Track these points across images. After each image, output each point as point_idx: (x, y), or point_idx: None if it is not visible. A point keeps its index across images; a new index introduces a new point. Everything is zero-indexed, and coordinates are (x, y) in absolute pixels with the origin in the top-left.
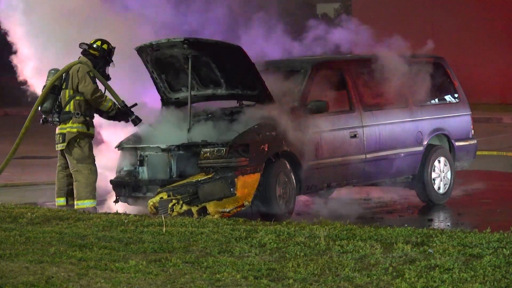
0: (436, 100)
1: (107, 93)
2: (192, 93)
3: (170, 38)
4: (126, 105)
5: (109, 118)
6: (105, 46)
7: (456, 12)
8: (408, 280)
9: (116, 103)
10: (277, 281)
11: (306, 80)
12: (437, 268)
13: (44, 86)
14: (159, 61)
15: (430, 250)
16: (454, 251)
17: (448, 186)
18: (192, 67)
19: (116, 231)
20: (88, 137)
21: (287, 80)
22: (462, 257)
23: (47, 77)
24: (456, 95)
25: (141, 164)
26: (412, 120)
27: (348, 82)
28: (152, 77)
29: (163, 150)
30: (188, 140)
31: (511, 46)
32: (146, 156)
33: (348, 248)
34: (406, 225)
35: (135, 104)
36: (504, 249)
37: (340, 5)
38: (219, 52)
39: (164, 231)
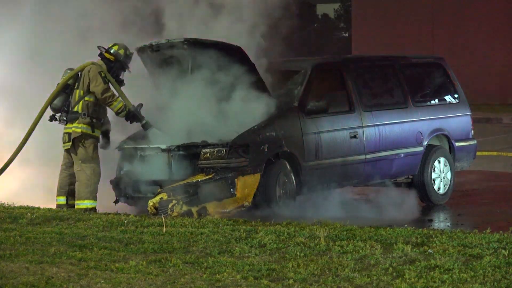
0: (436, 100)
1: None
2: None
3: (170, 38)
4: (136, 110)
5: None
6: (121, 51)
7: (456, 12)
8: (408, 280)
9: (127, 105)
10: (277, 281)
11: (306, 80)
12: (437, 268)
13: (58, 84)
14: (159, 61)
15: (430, 251)
16: (454, 252)
17: (448, 186)
18: (192, 67)
19: (116, 231)
20: (92, 138)
21: (287, 80)
22: (462, 257)
23: (62, 75)
24: (456, 96)
25: (141, 164)
26: (412, 121)
27: (348, 83)
28: (152, 77)
29: (163, 150)
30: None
31: (511, 46)
32: (146, 156)
33: (348, 248)
34: (406, 225)
35: (141, 104)
36: (504, 250)
37: (340, 5)
38: (219, 52)
39: (164, 231)
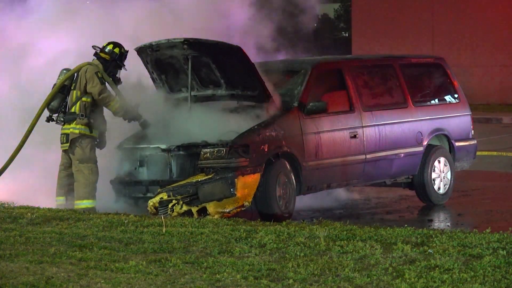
0: (436, 100)
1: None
2: (192, 93)
3: (170, 38)
4: (134, 109)
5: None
6: (116, 50)
7: (456, 12)
8: (408, 280)
9: (125, 105)
10: (277, 281)
11: (306, 80)
12: (437, 268)
13: (54, 85)
14: (159, 61)
15: (430, 251)
16: (454, 252)
17: (448, 186)
18: (192, 67)
19: (116, 231)
20: (90, 138)
21: (287, 80)
22: (462, 257)
23: (58, 76)
24: (456, 96)
25: (141, 164)
26: (412, 121)
27: (348, 83)
28: (152, 77)
29: (163, 150)
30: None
31: (511, 46)
32: (146, 156)
33: (348, 248)
34: (406, 225)
35: (138, 103)
36: (504, 250)
37: (340, 5)
38: (219, 52)
39: (164, 231)
